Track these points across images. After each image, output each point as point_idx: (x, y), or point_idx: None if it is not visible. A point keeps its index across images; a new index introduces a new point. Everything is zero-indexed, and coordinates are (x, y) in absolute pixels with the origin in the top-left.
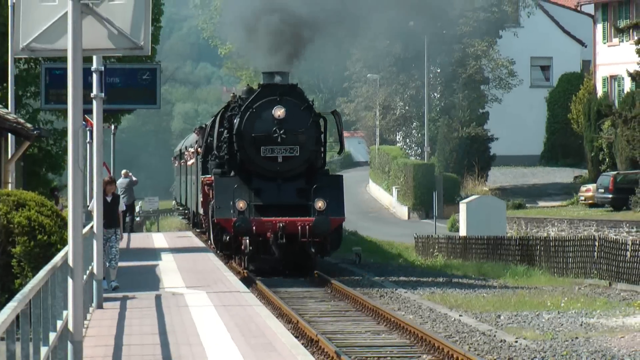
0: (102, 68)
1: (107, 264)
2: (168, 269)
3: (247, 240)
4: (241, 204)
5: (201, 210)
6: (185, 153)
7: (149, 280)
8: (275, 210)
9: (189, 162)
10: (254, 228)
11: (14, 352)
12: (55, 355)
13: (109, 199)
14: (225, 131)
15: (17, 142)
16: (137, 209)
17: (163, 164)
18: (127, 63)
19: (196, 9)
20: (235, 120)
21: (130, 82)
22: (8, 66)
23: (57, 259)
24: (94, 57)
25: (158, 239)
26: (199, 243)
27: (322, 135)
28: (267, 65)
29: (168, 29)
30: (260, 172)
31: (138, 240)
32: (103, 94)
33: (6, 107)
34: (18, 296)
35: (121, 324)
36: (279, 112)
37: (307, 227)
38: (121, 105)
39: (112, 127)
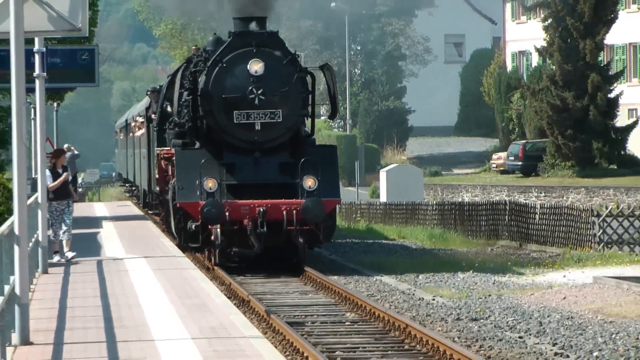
0: (44, 49)
1: (61, 235)
2: (109, 236)
3: (219, 230)
4: (210, 184)
5: (156, 189)
6: (132, 123)
7: (91, 247)
8: (254, 191)
9: (137, 133)
10: (227, 214)
11: None
12: (2, 317)
13: (60, 171)
14: (187, 92)
15: None
16: (79, 180)
17: (103, 138)
18: (68, 45)
19: None
20: (200, 78)
21: (71, 63)
22: None
23: (4, 227)
24: (36, 39)
25: (99, 208)
26: (138, 211)
27: (310, 96)
28: (237, 8)
29: (106, 12)
30: (233, 144)
31: (80, 209)
32: (45, 74)
33: None
34: None
35: (65, 288)
36: (255, 66)
37: (294, 211)
38: (62, 84)
39: (55, 104)
